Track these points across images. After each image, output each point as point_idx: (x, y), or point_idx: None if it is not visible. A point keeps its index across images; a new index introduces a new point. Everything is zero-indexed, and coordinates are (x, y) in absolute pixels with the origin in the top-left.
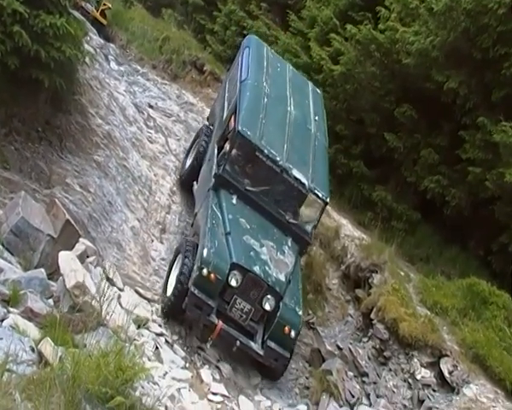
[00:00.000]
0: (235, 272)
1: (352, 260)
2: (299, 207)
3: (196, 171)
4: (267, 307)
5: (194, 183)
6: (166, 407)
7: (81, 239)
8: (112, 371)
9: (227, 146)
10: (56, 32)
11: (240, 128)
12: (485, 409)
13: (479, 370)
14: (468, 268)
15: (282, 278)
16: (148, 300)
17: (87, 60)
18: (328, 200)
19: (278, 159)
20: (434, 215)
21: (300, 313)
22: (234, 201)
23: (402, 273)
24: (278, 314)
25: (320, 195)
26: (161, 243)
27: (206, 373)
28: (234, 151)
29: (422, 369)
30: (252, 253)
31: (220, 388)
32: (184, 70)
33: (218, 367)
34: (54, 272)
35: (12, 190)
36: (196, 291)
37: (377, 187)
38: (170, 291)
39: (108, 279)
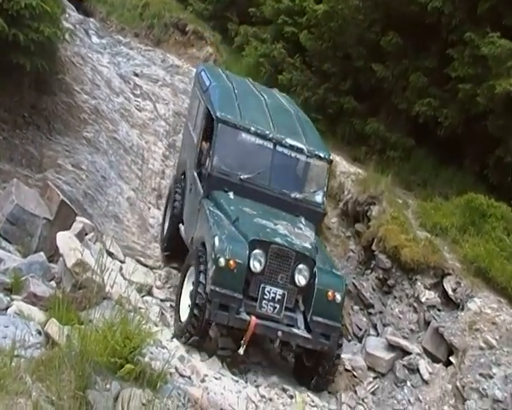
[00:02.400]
0: (255, 251)
1: (350, 196)
2: (304, 179)
3: (177, 227)
4: (301, 280)
5: (180, 225)
6: (176, 368)
7: (78, 218)
8: (119, 340)
9: (208, 144)
10: (32, 12)
11: (218, 114)
12: (490, 319)
13: (481, 283)
14: (465, 186)
15: (308, 245)
16: (150, 267)
17: (67, 37)
18: (331, 158)
19: (268, 132)
20: (428, 139)
21: (340, 273)
22: (231, 196)
23: (400, 201)
24: (316, 281)
25: (322, 155)
26: (158, 209)
27: (214, 330)
28: (217, 142)
29: (426, 291)
30: (268, 230)
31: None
32: (167, 33)
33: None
34: (53, 255)
35: (4, 180)
36: (218, 288)
37: (369, 120)
38: (185, 316)
39: (109, 253)
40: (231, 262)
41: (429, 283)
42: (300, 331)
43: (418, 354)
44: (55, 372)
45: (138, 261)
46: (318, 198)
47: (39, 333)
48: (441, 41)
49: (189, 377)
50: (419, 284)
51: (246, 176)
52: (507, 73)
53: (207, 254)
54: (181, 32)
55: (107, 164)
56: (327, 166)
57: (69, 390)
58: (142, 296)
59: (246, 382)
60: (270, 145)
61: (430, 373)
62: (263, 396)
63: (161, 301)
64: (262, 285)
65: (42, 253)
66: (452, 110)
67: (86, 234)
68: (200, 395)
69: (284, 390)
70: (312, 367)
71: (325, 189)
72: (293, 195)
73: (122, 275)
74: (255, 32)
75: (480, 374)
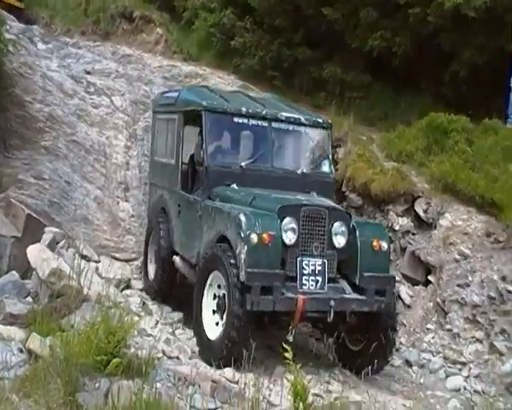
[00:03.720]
0: (286, 220)
1: None
2: (306, 152)
3: (168, 265)
4: (340, 240)
5: (175, 258)
6: (164, 352)
7: (46, 228)
8: (102, 338)
9: (199, 138)
10: None
11: (204, 103)
12: (462, 230)
13: (450, 198)
14: (424, 109)
15: (336, 205)
16: (126, 260)
17: (10, 48)
18: (330, 122)
19: (259, 110)
20: (384, 72)
21: (377, 221)
22: (235, 187)
23: (364, 138)
24: (357, 234)
25: (320, 121)
26: (127, 201)
27: None
28: (208, 134)
29: (399, 218)
30: (291, 199)
31: None
32: (114, 25)
33: None
34: (27, 270)
35: None
36: (255, 269)
37: (325, 65)
38: (217, 333)
39: (83, 256)
40: (264, 236)
41: (401, 210)
42: (353, 295)
43: (398, 282)
44: (41, 385)
45: (113, 257)
46: (325, 168)
47: (21, 351)
48: None
49: (177, 358)
50: (391, 213)
51: (246, 162)
52: None
53: (232, 241)
54: (128, 21)
55: (69, 169)
56: (328, 132)
57: (58, 398)
58: (122, 290)
59: None
60: (265, 123)
61: (411, 297)
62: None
63: (141, 290)
64: (299, 259)
65: (14, 271)
66: (404, 37)
67: (57, 243)
68: (190, 371)
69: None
70: (366, 344)
71: (330, 156)
72: (299, 171)
73: (99, 275)
74: (203, 2)
75: (458, 285)
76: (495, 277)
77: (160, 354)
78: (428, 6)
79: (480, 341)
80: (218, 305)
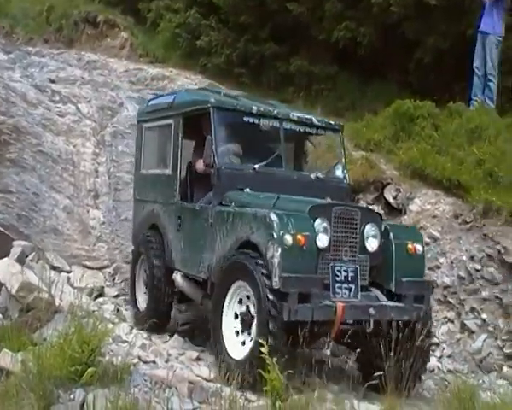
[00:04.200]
0: (318, 221)
1: None
2: (319, 156)
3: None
4: (373, 243)
5: (175, 275)
6: (139, 357)
7: (15, 242)
8: (76, 348)
9: (208, 139)
10: None
11: (212, 100)
12: (431, 214)
13: (419, 183)
14: (391, 97)
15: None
16: (98, 268)
17: None
18: (342, 124)
19: (271, 109)
20: (350, 63)
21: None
22: (249, 191)
23: None
24: (391, 236)
25: (332, 123)
26: (97, 208)
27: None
28: (217, 134)
29: (370, 207)
30: (317, 200)
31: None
32: (78, 31)
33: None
34: None
35: None
36: (292, 274)
37: (292, 59)
38: (243, 353)
39: (53, 267)
40: (299, 237)
41: (371, 198)
42: (391, 302)
43: None
44: (14, 402)
45: (85, 266)
46: (339, 172)
47: None
48: None
49: (154, 362)
50: (362, 202)
51: (259, 164)
52: None
53: (261, 244)
54: (92, 26)
55: (36, 180)
56: (339, 135)
57: None
58: (95, 299)
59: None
60: (277, 123)
61: None
62: None
63: (114, 297)
64: (331, 265)
65: None
66: (369, 27)
67: (27, 256)
68: (166, 374)
69: None
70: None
71: (343, 160)
72: (313, 175)
73: (71, 284)
74: (167, 4)
75: (429, 268)
76: (464, 257)
77: (136, 360)
78: None
79: (451, 321)
80: (242, 321)
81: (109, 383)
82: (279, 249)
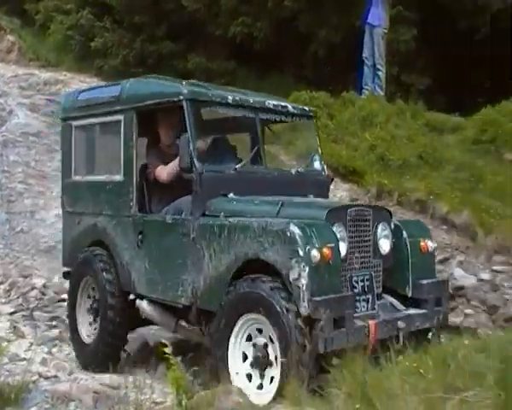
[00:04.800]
0: (336, 227)
1: None
2: (295, 148)
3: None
4: (385, 245)
5: (139, 302)
6: (40, 373)
7: None
8: None
9: (183, 138)
10: None
11: (185, 91)
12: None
13: None
14: (288, 90)
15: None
16: None
17: None
18: (314, 109)
19: (247, 98)
20: (248, 57)
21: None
22: (233, 196)
23: None
24: (404, 234)
25: (306, 109)
26: None
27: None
28: (193, 130)
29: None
30: (323, 202)
31: None
32: None
33: None
34: None
35: None
36: (324, 297)
37: (190, 56)
38: (266, 399)
39: None
40: (325, 251)
41: None
42: (414, 310)
43: None
44: None
45: None
46: (317, 164)
47: None
48: None
49: (56, 376)
50: None
51: (240, 164)
52: None
53: (279, 264)
54: None
55: None
56: (313, 122)
57: None
58: None
59: None
60: (252, 114)
61: None
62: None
63: (10, 314)
64: (348, 275)
65: None
66: (264, 21)
67: None
68: (69, 388)
69: None
70: None
71: (319, 150)
72: (293, 171)
73: None
74: (57, 4)
75: None
76: None
77: (36, 377)
78: None
79: None
80: (255, 361)
81: (5, 406)
82: (306, 268)
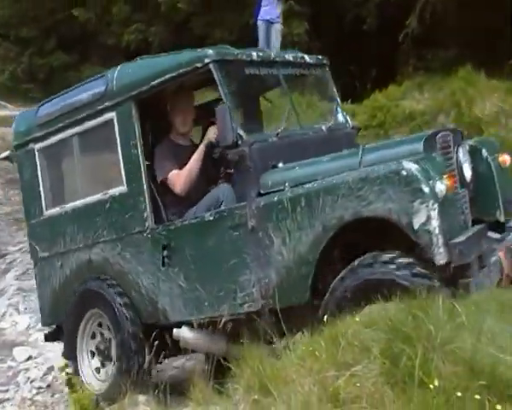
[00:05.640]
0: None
1: None
2: (318, 102)
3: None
4: (468, 169)
5: (178, 330)
6: None
7: None
8: None
9: (220, 108)
10: None
11: (210, 53)
12: None
13: None
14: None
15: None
16: None
17: None
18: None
19: (268, 54)
20: None
21: None
22: (287, 165)
23: None
24: (483, 153)
25: (320, 57)
26: None
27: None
28: (228, 97)
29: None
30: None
31: None
32: None
33: None
34: None
35: None
36: (464, 237)
37: (83, 67)
38: None
39: None
40: (450, 180)
41: None
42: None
43: None
44: None
45: None
46: (340, 117)
47: None
48: None
49: None
50: None
51: (280, 129)
52: None
53: (396, 212)
54: None
55: None
56: (328, 71)
57: None
58: None
59: None
60: (275, 71)
61: None
62: None
63: None
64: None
65: None
66: (159, 26)
67: None
68: None
69: None
70: None
71: (339, 101)
72: (324, 127)
73: None
74: None
75: None
76: None
77: None
78: None
79: None
80: None
81: None
82: (435, 206)
